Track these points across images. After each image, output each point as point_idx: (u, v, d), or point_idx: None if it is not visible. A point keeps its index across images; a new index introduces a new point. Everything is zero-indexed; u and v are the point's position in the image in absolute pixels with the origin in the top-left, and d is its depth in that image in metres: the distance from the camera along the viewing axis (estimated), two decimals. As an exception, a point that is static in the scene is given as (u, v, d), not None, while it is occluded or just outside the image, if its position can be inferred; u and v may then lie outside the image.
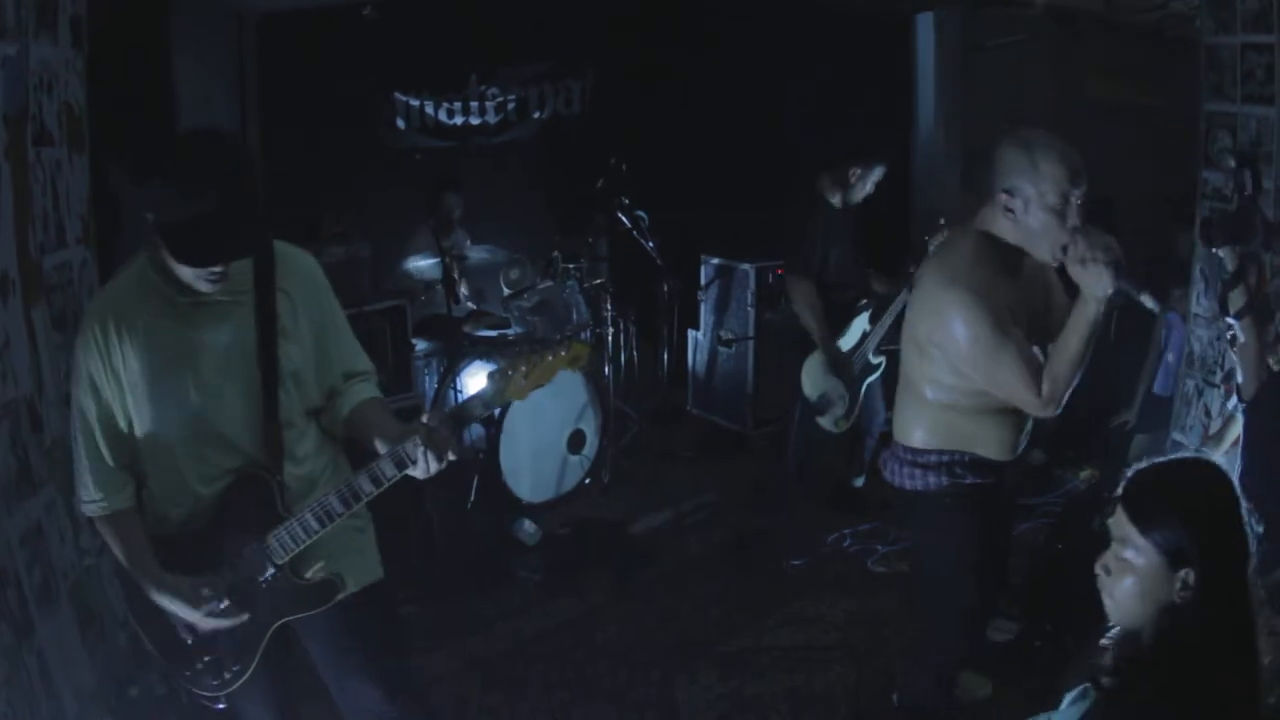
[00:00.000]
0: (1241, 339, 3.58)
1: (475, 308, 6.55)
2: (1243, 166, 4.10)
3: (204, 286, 2.36)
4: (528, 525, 5.39)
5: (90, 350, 2.37)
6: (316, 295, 2.62)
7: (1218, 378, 4.70)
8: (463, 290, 6.43)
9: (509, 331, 6.06)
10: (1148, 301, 2.73)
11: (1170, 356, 5.48)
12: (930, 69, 8.13)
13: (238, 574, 2.50)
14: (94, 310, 2.41)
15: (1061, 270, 2.90)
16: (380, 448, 2.51)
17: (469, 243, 6.47)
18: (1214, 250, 3.85)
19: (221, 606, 2.46)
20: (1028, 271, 3.01)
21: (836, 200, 5.22)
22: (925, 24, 8.08)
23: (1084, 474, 5.94)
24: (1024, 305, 2.98)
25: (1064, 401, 2.91)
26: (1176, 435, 4.99)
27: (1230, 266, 3.55)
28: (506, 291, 6.26)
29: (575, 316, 6.23)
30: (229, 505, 2.52)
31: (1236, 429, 4.10)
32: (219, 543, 2.52)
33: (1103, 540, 2.02)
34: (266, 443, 2.52)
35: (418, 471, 2.46)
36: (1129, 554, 1.93)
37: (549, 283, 6.17)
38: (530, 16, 6.90)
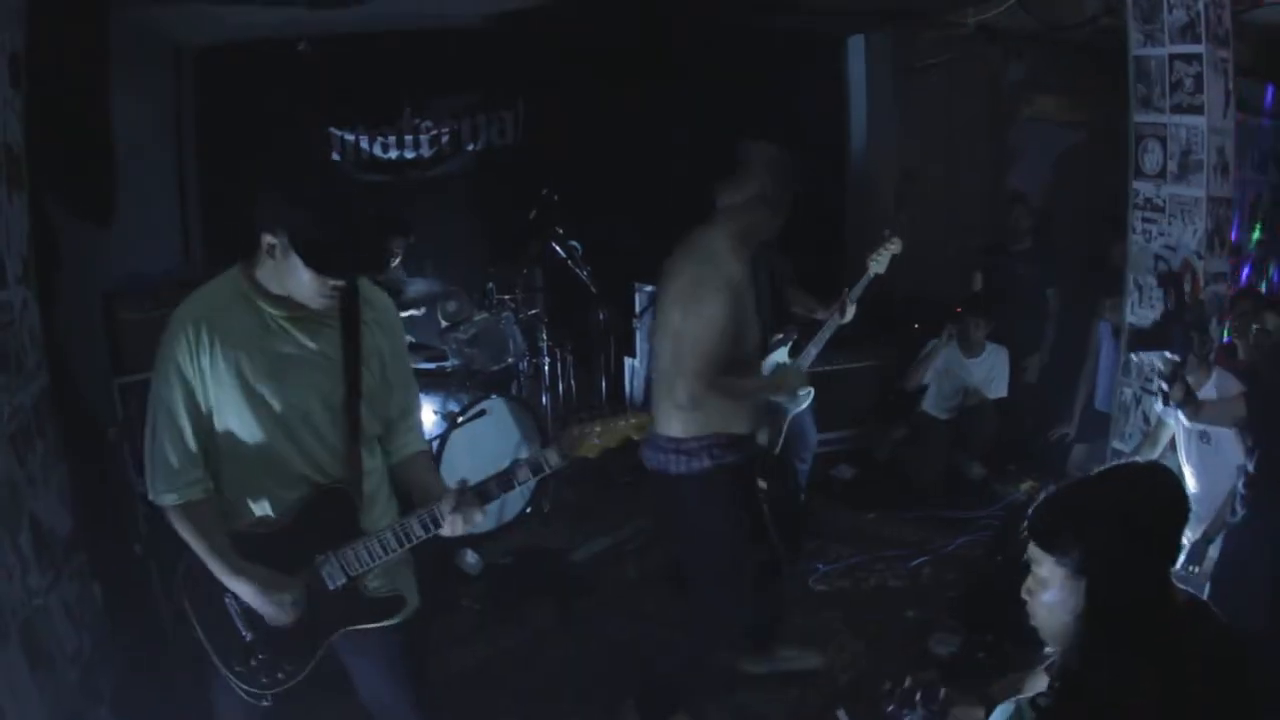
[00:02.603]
0: (1187, 424, 4.04)
1: (412, 340, 6.54)
2: (1166, 285, 4.34)
3: (320, 303, 2.55)
4: (470, 555, 5.41)
5: (181, 347, 2.52)
6: (392, 331, 2.83)
7: (1155, 385, 4.77)
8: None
9: (446, 364, 6.08)
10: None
11: (1103, 367, 5.61)
12: (862, 90, 8.27)
13: (310, 578, 2.66)
14: (187, 311, 2.56)
15: None
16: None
17: (405, 276, 6.49)
18: (1135, 357, 4.40)
19: (292, 601, 2.61)
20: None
21: None
22: (856, 46, 8.23)
23: (1024, 486, 6.04)
24: (752, 289, 3.51)
25: (703, 402, 3.38)
26: (1116, 444, 5.03)
27: (1164, 369, 3.90)
28: (443, 324, 6.26)
29: (512, 347, 6.27)
30: (309, 513, 2.68)
31: (1168, 433, 4.29)
32: (295, 547, 2.66)
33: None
34: (349, 458, 2.71)
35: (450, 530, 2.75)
36: (1042, 572, 2.06)
37: (485, 314, 6.21)
38: (461, 47, 6.96)
